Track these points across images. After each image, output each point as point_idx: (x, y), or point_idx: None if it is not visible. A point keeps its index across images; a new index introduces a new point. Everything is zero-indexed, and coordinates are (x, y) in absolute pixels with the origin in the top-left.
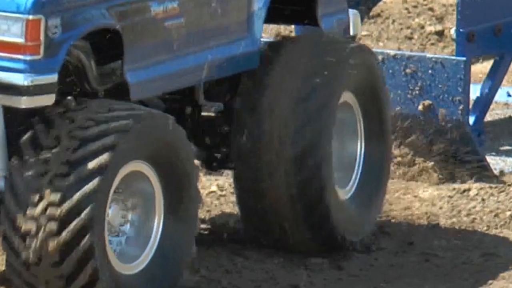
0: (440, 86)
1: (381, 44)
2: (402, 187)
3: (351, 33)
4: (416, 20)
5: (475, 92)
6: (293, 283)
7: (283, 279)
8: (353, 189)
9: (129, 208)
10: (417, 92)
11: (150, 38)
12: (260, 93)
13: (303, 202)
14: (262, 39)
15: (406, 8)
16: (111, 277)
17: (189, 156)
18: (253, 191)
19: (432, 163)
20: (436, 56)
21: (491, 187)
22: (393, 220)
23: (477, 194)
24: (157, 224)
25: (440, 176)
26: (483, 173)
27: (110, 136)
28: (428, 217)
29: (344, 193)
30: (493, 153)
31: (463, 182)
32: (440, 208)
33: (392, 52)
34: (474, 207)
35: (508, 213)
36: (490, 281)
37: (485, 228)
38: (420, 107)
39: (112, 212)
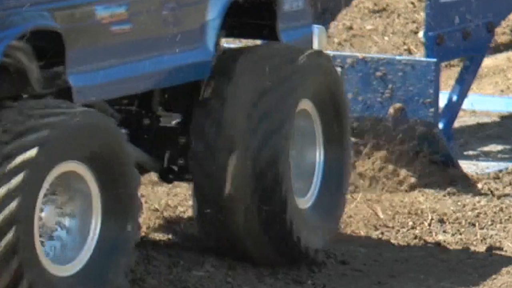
0: (410, 88)
1: (386, 38)
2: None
3: (315, 48)
4: (422, 14)
5: (443, 99)
6: (297, 278)
7: (287, 275)
8: (313, 198)
9: (65, 209)
10: (387, 95)
11: (95, 42)
12: (218, 104)
13: (264, 214)
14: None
15: (412, 3)
16: (41, 278)
17: (128, 159)
18: (213, 203)
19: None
20: (406, 58)
21: (496, 182)
22: (397, 215)
23: (481, 189)
24: (94, 226)
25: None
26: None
27: (42, 131)
28: (433, 211)
29: (304, 202)
30: (464, 158)
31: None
32: (445, 202)
33: (361, 55)
34: (479, 201)
35: None
36: (494, 276)
37: (489, 222)
38: (391, 110)
39: (46, 213)
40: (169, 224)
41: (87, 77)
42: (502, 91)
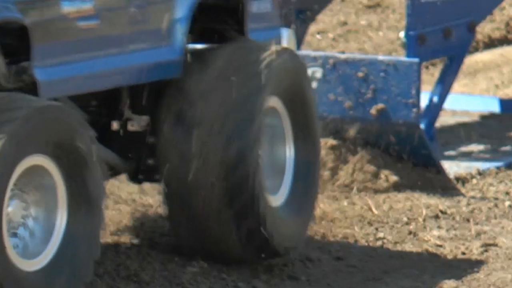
0: (392, 89)
1: (380, 33)
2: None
3: None
4: None
5: (424, 99)
6: (292, 274)
7: (282, 270)
8: (285, 195)
9: (31, 203)
10: (369, 96)
11: (61, 36)
12: (185, 103)
13: (234, 212)
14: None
15: None
16: (9, 272)
17: (93, 153)
18: (182, 203)
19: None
20: (388, 58)
21: (489, 177)
22: (391, 211)
23: (476, 184)
24: (60, 220)
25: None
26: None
27: (7, 125)
28: (427, 207)
29: (276, 199)
30: (446, 158)
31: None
32: (439, 198)
33: (343, 56)
34: (474, 197)
35: (507, 203)
36: (489, 271)
37: (484, 218)
38: (373, 111)
39: (13, 208)
40: (163, 220)
41: (53, 72)
42: (496, 86)
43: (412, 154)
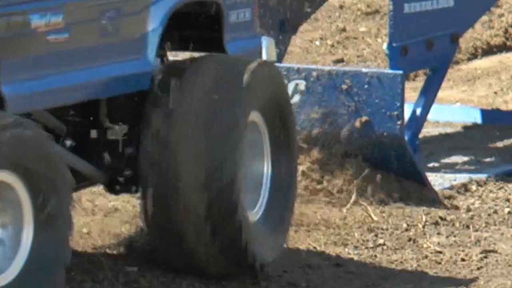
0: (376, 101)
1: (379, 40)
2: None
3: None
4: None
5: (407, 110)
6: (291, 280)
7: (281, 277)
8: (262, 210)
9: None
10: (353, 108)
11: (30, 51)
12: (164, 116)
13: (212, 227)
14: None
15: None
16: None
17: (60, 169)
18: (160, 216)
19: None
20: (372, 70)
21: (489, 184)
22: (391, 218)
23: (475, 191)
24: (26, 236)
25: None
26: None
27: None
28: (426, 213)
29: (253, 214)
30: (430, 170)
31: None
32: (439, 205)
33: (326, 68)
34: (473, 203)
35: (507, 209)
36: (488, 278)
37: (483, 225)
38: (357, 124)
39: None
40: None
41: (21, 87)
42: (495, 93)
43: (397, 167)
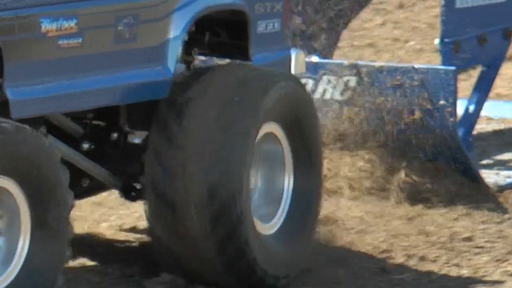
0: (429, 97)
1: None
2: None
3: (292, 72)
4: None
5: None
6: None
7: None
8: (279, 224)
9: None
10: (405, 105)
11: (39, 55)
12: (176, 123)
13: (217, 238)
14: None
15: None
16: None
17: (60, 179)
18: (165, 225)
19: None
20: (423, 66)
21: None
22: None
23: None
24: (22, 244)
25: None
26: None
27: None
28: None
29: (268, 228)
30: (484, 167)
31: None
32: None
33: (377, 65)
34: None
35: None
36: None
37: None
38: (410, 120)
39: None
40: None
41: (28, 91)
42: None
43: (450, 163)
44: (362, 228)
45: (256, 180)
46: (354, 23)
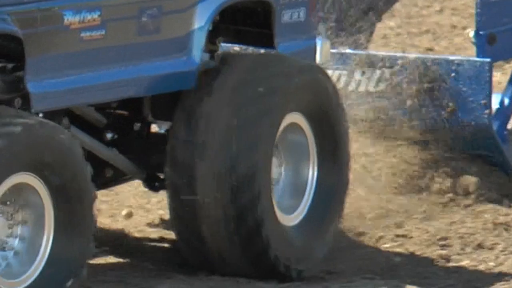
0: (464, 89)
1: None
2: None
3: (317, 61)
4: None
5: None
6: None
7: None
8: (302, 215)
9: (17, 222)
10: (439, 97)
11: (61, 48)
12: (199, 113)
13: (241, 232)
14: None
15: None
16: None
17: (83, 174)
18: (189, 221)
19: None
20: (459, 58)
21: None
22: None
23: None
24: (46, 240)
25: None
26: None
27: None
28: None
29: (290, 219)
30: None
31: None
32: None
33: (412, 56)
34: None
35: None
36: None
37: None
38: (444, 113)
39: None
40: None
41: (50, 84)
42: None
43: (485, 158)
44: (421, 217)
45: (280, 171)
46: (412, 10)
